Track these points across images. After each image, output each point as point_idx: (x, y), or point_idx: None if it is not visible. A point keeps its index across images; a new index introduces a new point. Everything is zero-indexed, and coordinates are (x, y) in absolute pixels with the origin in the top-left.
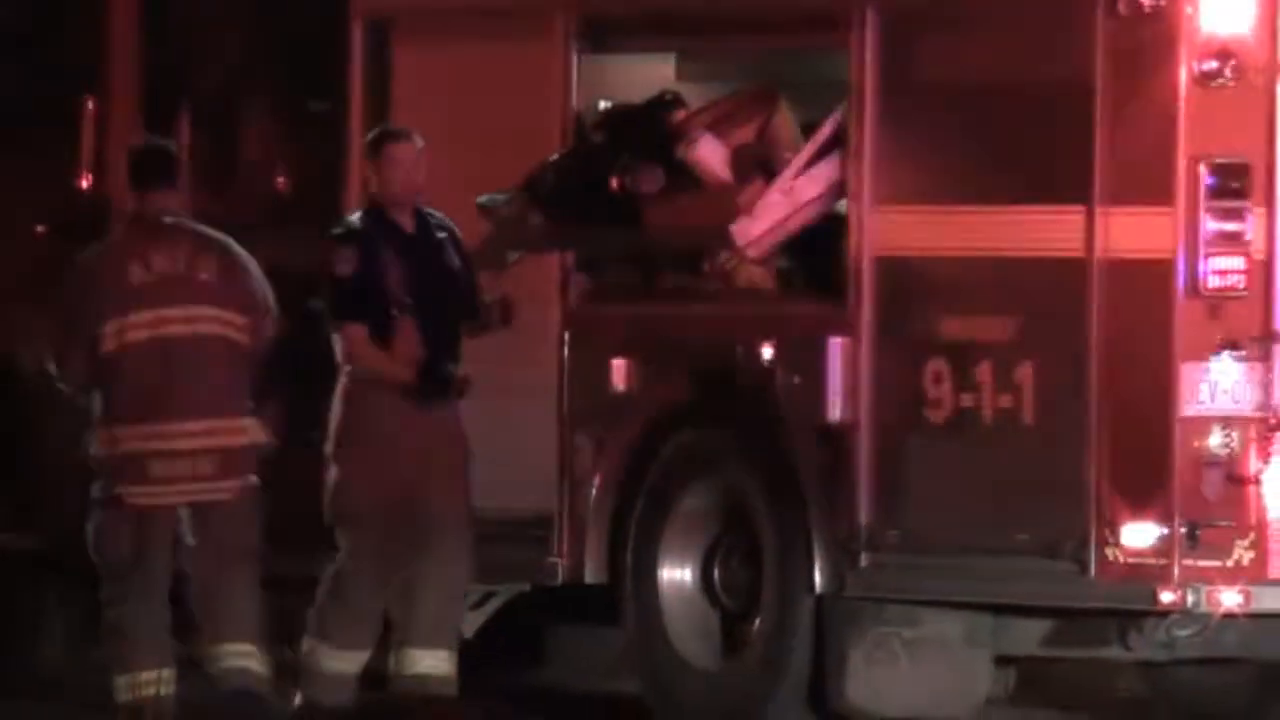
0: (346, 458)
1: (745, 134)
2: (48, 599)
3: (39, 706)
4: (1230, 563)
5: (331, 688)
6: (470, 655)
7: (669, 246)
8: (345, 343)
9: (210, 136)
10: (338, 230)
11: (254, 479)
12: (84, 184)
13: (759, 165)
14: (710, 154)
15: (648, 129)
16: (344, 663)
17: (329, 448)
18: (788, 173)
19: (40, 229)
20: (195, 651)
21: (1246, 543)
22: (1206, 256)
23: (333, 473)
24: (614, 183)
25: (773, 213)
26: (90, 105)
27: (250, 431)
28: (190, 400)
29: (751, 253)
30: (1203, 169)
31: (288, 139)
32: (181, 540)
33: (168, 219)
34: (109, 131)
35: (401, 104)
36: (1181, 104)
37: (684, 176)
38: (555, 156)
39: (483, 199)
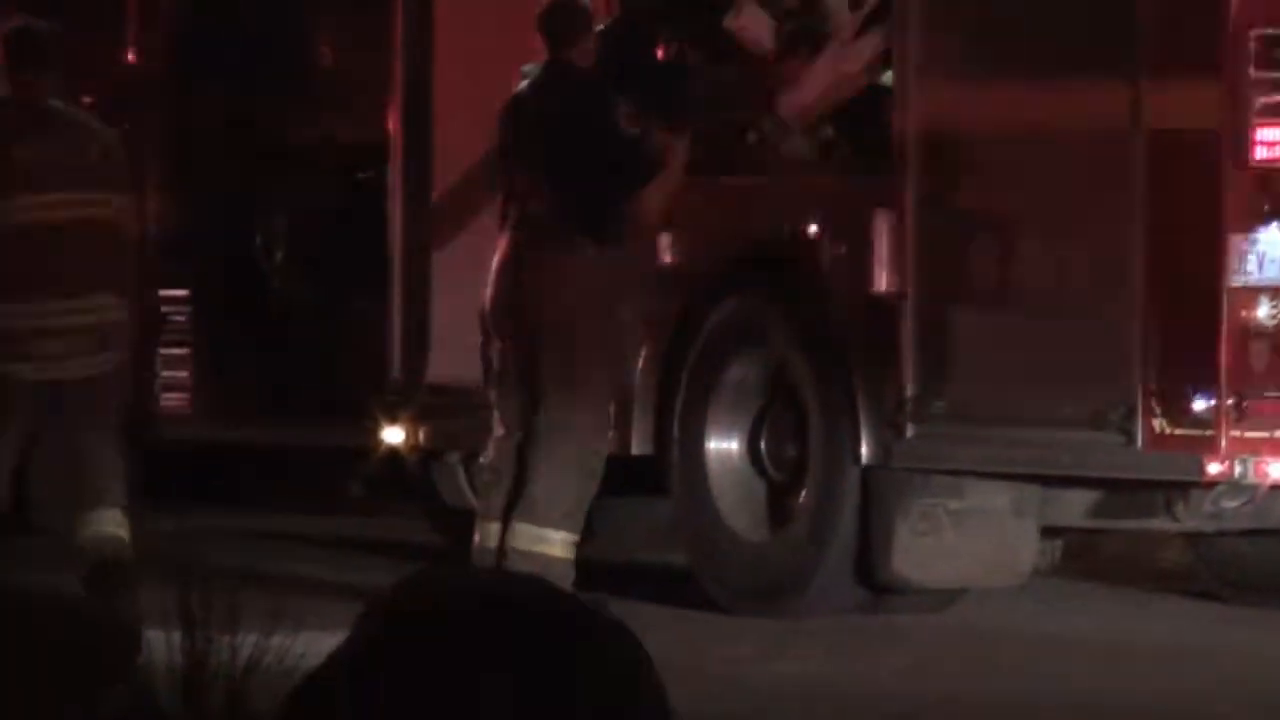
0: None
1: (791, 2)
2: None
3: None
4: (1278, 433)
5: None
6: None
7: (714, 117)
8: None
9: (255, 9)
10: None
11: (118, 355)
12: (128, 58)
13: (805, 35)
14: (754, 23)
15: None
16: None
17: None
18: (834, 43)
19: (87, 99)
20: (57, 525)
21: None
22: (1254, 127)
23: None
24: (659, 52)
25: (819, 83)
26: None
27: (117, 310)
28: (62, 280)
29: (798, 124)
30: (1251, 38)
31: (334, 11)
32: (45, 415)
33: (44, 103)
34: (151, 4)
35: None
36: None
37: (729, 46)
38: (601, 27)
39: (526, 67)
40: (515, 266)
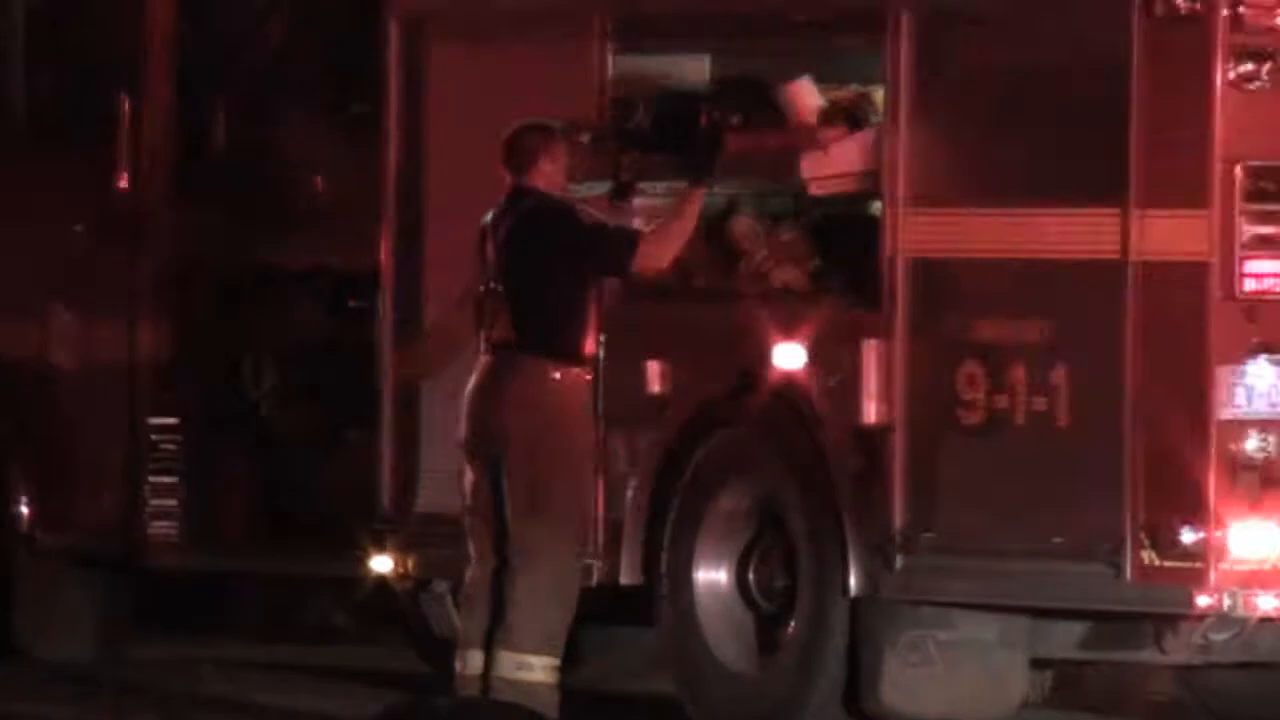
0: None
1: (845, 93)
2: (85, 596)
3: (76, 705)
4: (1267, 566)
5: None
6: None
7: (745, 177)
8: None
9: (246, 136)
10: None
11: None
12: (121, 184)
13: (848, 115)
14: (804, 93)
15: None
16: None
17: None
18: (872, 129)
19: (77, 228)
20: None
21: None
22: (1242, 260)
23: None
24: (703, 117)
25: (847, 160)
26: (126, 106)
27: None
28: None
29: (814, 190)
30: (1239, 172)
31: (324, 137)
32: None
33: None
34: (144, 132)
35: (437, 103)
36: (1217, 106)
37: (774, 116)
38: (648, 95)
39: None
40: (483, 392)
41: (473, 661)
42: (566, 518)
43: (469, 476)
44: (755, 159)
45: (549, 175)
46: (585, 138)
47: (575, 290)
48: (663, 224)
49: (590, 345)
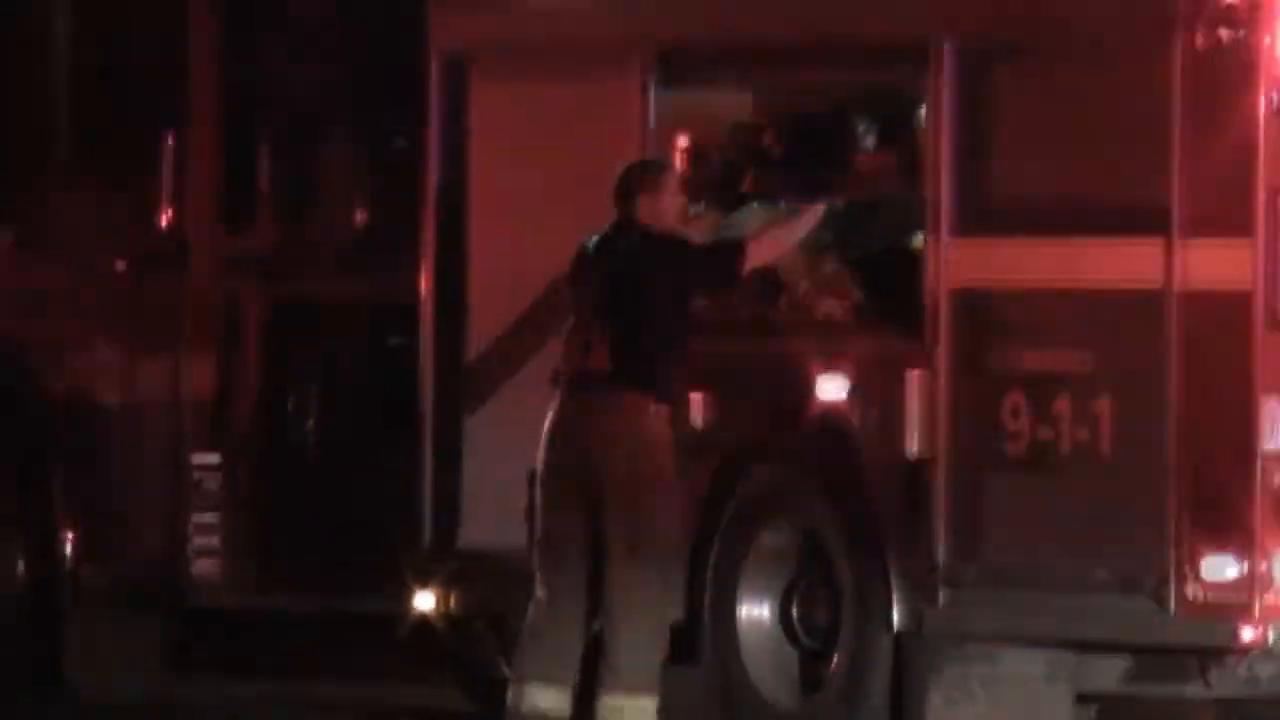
0: None
1: None
2: (131, 634)
3: None
4: None
5: None
6: None
7: (867, 194)
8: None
9: (289, 171)
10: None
11: None
12: (164, 220)
13: None
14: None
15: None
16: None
17: None
18: None
19: (120, 264)
20: None
21: None
22: None
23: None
24: (828, 142)
25: None
26: (170, 140)
27: None
28: None
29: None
30: None
31: (366, 173)
32: None
33: None
34: (188, 167)
35: (479, 139)
36: (1260, 135)
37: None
38: (775, 115)
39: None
40: (576, 425)
41: (529, 698)
42: (666, 557)
43: (546, 512)
44: (877, 178)
45: (656, 209)
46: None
47: (678, 325)
48: (773, 228)
49: (679, 383)
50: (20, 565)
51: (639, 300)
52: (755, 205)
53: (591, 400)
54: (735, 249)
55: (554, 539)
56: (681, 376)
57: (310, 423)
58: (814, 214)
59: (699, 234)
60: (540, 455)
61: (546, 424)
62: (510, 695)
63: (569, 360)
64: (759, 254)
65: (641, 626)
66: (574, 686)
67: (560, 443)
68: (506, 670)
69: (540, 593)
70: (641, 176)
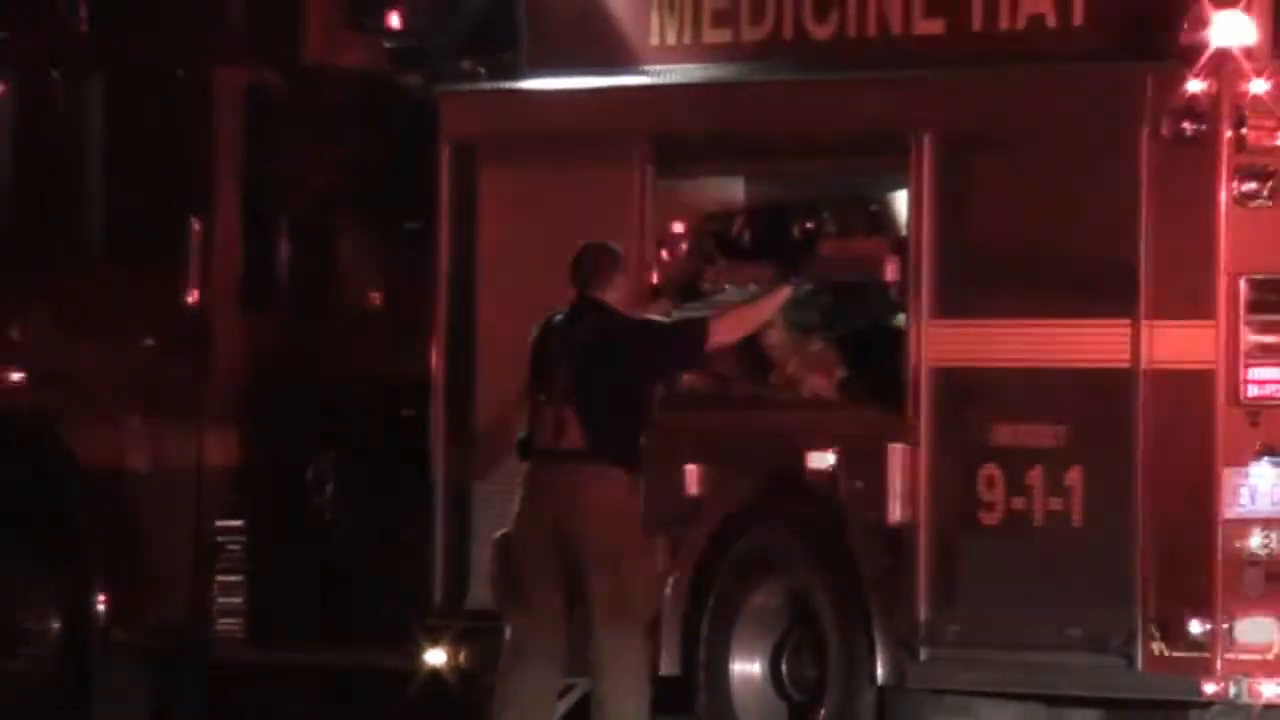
0: None
1: None
2: (160, 691)
3: None
4: (1271, 655)
5: None
6: None
7: (833, 278)
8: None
9: (308, 254)
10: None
11: None
12: (190, 299)
13: None
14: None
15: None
16: None
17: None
18: None
19: (149, 341)
20: None
21: None
22: (1246, 367)
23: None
24: (795, 230)
25: None
26: (195, 225)
27: None
28: None
29: (894, 293)
30: (1242, 285)
31: (380, 254)
32: None
33: None
34: (213, 250)
35: (487, 223)
36: (1222, 223)
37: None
38: (746, 208)
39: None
40: (551, 500)
41: None
42: (647, 615)
43: (521, 580)
44: (843, 264)
45: (617, 291)
46: (682, 250)
47: (645, 400)
48: (739, 308)
49: (643, 452)
50: (56, 625)
51: (610, 381)
52: (727, 288)
53: (565, 476)
54: (699, 329)
55: (528, 606)
56: (643, 448)
57: (329, 490)
58: (779, 296)
59: (658, 314)
60: (515, 528)
61: (519, 499)
62: None
63: (540, 438)
64: (722, 333)
65: (630, 684)
66: None
67: (536, 517)
68: None
69: (510, 657)
70: (601, 259)
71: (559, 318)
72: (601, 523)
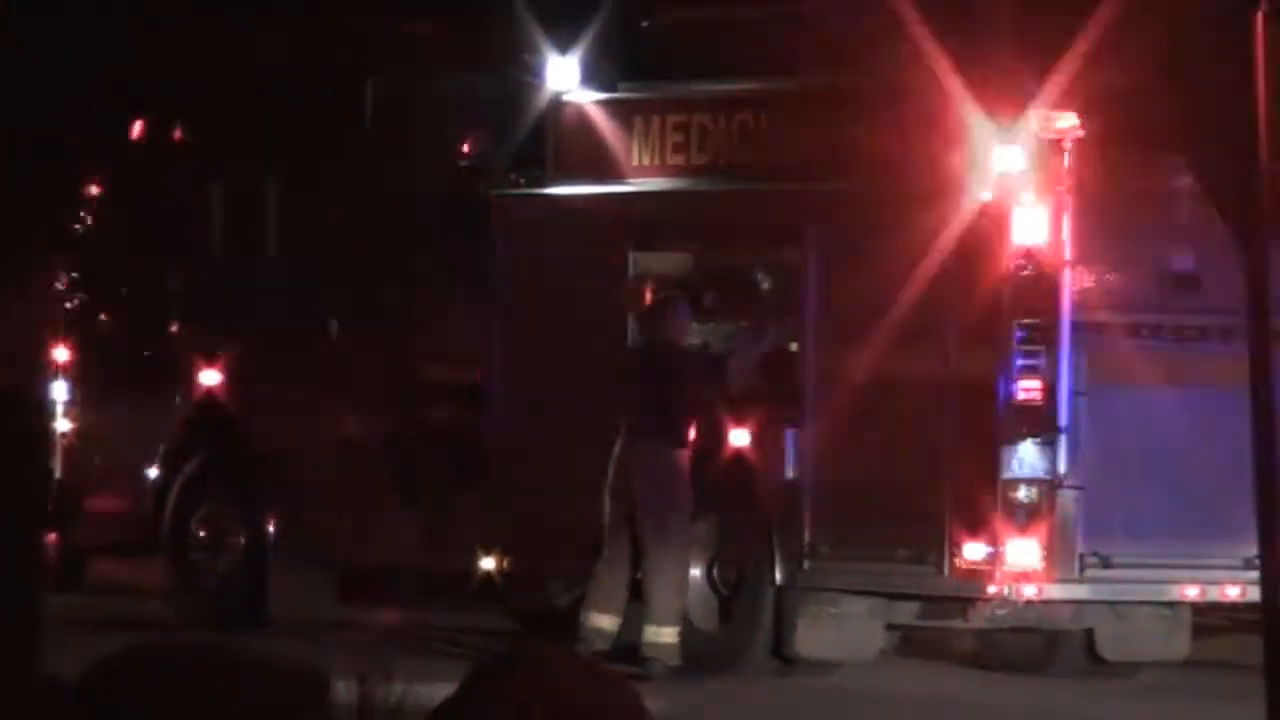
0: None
1: None
2: (314, 583)
3: None
4: (1030, 568)
5: (589, 640)
6: None
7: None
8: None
9: (413, 296)
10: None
11: None
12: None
13: None
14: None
15: None
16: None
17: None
18: None
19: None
20: None
21: (1041, 556)
22: (1017, 380)
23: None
24: (751, 287)
25: None
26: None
27: None
28: None
29: (795, 328)
30: (1015, 325)
31: (443, 321)
32: None
33: None
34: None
35: (523, 280)
36: (1007, 284)
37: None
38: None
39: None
40: (625, 461)
41: (592, 620)
42: (681, 539)
43: (611, 512)
44: (774, 311)
45: (670, 328)
46: (707, 299)
47: (691, 402)
48: (740, 355)
49: (691, 435)
50: (241, 539)
51: (665, 386)
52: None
53: (636, 447)
54: (722, 364)
55: (614, 526)
56: (690, 432)
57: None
58: (759, 345)
59: (695, 353)
60: (609, 479)
61: (612, 460)
62: (580, 618)
63: (625, 420)
64: (735, 369)
65: (667, 581)
66: (622, 615)
67: (618, 473)
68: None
69: (604, 554)
70: (663, 307)
71: (639, 344)
72: (651, 477)
